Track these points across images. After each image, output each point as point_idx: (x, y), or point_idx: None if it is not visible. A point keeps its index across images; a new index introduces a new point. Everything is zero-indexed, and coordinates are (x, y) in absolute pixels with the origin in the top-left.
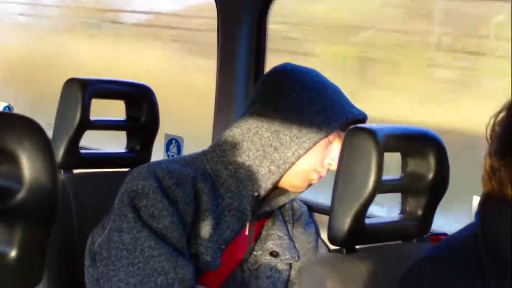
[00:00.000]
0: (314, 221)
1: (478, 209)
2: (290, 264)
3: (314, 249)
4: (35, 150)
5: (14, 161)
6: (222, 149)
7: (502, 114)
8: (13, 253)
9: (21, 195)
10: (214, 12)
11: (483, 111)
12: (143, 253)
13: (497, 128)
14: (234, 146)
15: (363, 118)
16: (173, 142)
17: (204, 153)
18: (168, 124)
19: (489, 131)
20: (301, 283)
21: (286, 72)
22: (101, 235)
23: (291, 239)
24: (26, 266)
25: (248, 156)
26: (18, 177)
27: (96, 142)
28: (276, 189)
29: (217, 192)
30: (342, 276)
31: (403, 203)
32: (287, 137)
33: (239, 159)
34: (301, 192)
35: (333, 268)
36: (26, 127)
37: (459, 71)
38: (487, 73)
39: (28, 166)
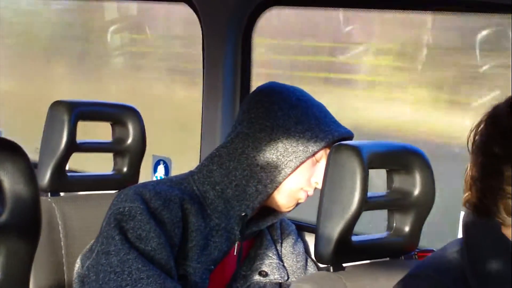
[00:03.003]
0: (303, 240)
1: (462, 225)
2: (280, 284)
3: (303, 268)
4: (17, 173)
5: None
6: (209, 170)
7: (482, 126)
8: None
9: (3, 218)
10: None
11: None
12: (131, 276)
13: (477, 139)
14: (220, 166)
15: (349, 136)
16: (161, 163)
17: (191, 173)
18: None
19: (470, 142)
20: None
21: (272, 91)
22: (90, 258)
23: (280, 258)
24: None
25: (235, 176)
26: (0, 200)
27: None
28: (264, 209)
29: (204, 213)
30: None
31: (390, 220)
32: (274, 156)
33: (226, 179)
34: (289, 211)
35: (319, 287)
36: (8, 150)
37: None
38: None
39: (10, 189)
